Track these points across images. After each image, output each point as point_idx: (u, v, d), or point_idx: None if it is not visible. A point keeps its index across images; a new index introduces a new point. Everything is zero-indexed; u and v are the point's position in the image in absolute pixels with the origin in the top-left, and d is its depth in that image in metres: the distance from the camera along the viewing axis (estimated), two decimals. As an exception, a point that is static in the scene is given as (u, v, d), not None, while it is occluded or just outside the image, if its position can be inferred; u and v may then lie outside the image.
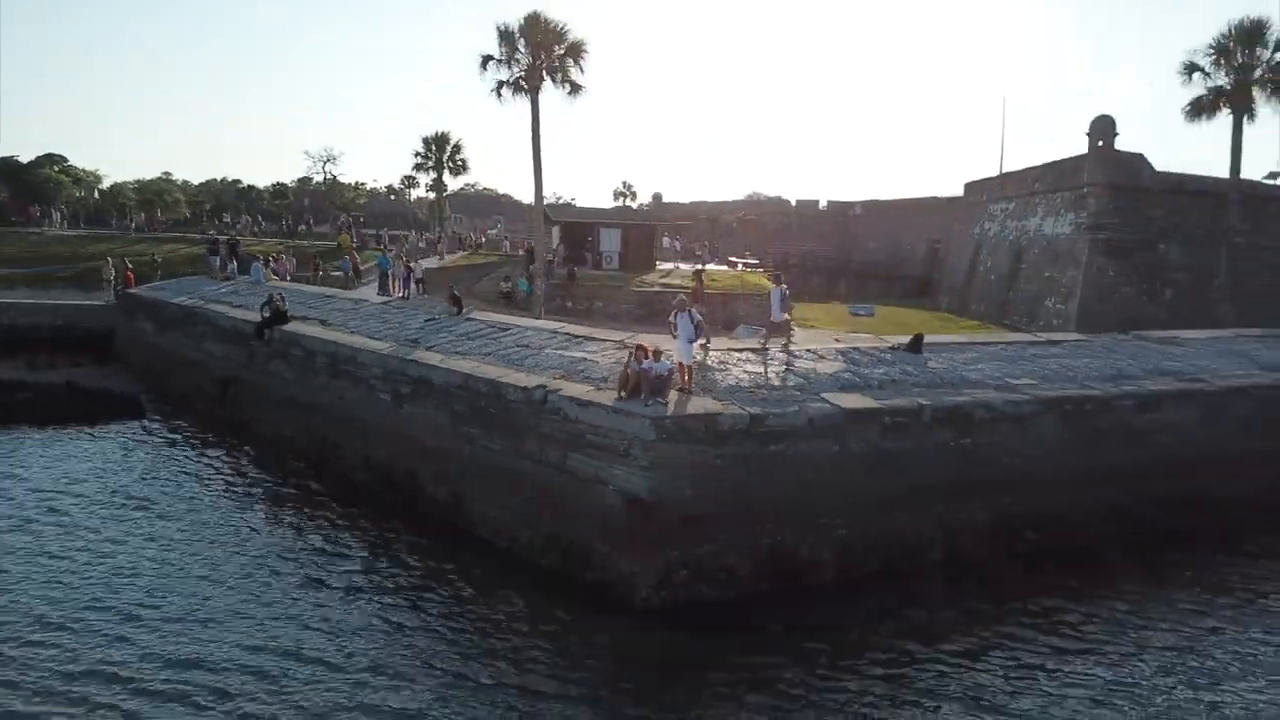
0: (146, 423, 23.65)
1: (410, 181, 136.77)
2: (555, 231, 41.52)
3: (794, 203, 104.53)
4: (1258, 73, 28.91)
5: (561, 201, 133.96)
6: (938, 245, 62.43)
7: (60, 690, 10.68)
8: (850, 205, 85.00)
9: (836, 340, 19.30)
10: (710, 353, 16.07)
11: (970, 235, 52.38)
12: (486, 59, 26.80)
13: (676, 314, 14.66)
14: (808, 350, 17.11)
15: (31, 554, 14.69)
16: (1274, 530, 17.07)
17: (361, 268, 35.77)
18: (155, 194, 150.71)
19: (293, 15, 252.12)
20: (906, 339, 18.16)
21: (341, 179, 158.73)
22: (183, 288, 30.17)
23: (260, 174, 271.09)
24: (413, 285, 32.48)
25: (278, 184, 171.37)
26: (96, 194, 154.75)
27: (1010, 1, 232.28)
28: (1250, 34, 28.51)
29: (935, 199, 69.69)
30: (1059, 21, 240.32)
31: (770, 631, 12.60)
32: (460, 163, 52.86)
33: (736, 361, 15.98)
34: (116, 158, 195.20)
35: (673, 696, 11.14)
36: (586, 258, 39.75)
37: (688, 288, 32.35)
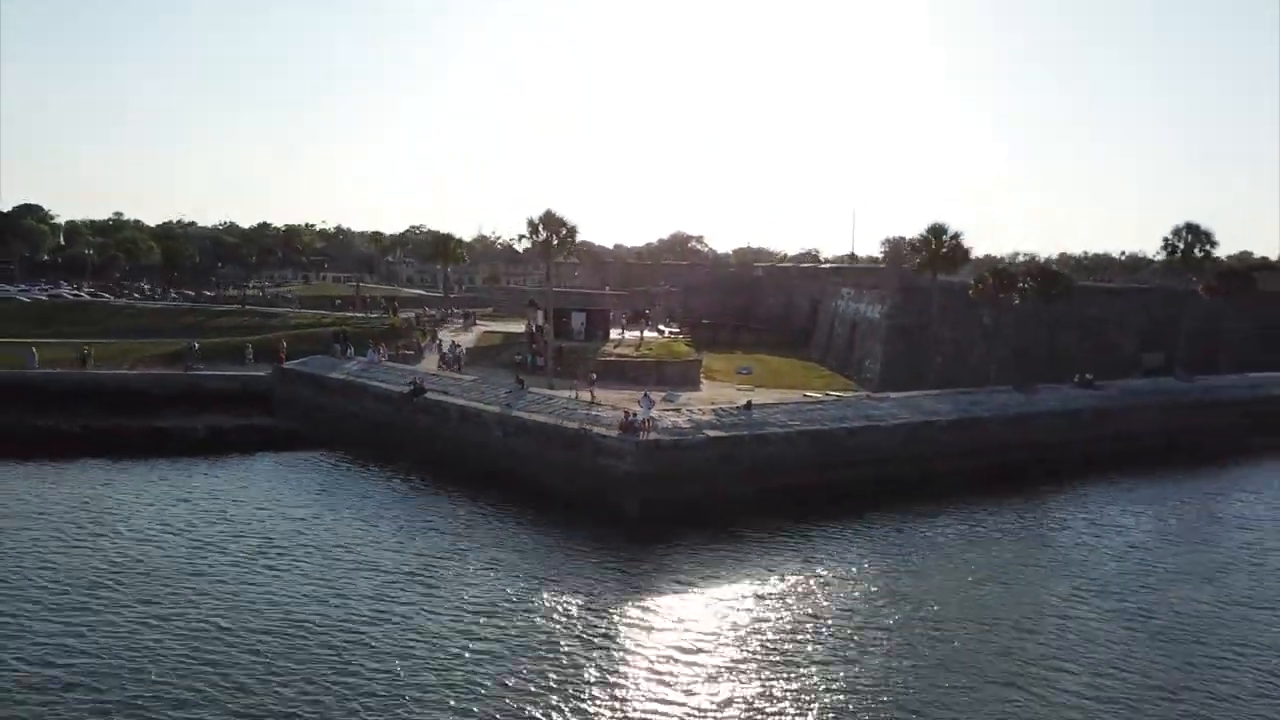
0: (335, 449, 42.19)
1: (378, 237, 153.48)
2: (539, 314, 60.63)
3: (710, 260, 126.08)
4: (943, 251, 50.47)
5: (494, 234, 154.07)
6: (819, 303, 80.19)
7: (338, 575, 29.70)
8: (754, 267, 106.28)
9: (712, 404, 38.96)
10: (654, 410, 35.65)
11: (831, 306, 73.39)
12: (520, 236, 46.41)
13: (644, 397, 34.31)
14: (698, 408, 37.01)
15: (316, 515, 33.55)
16: (903, 498, 37.07)
17: (422, 345, 54.62)
18: (131, 242, 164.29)
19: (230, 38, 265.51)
20: (745, 401, 38.10)
21: (294, 223, 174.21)
22: (325, 364, 48.64)
23: (209, 212, 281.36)
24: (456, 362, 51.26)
25: (228, 224, 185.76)
26: (62, 238, 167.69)
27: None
28: (937, 231, 50.13)
29: (817, 267, 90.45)
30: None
31: (685, 528, 32.05)
32: (460, 255, 71.69)
33: (668, 416, 35.68)
34: (51, 190, 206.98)
35: (648, 549, 30.56)
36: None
37: (631, 356, 52.15)
